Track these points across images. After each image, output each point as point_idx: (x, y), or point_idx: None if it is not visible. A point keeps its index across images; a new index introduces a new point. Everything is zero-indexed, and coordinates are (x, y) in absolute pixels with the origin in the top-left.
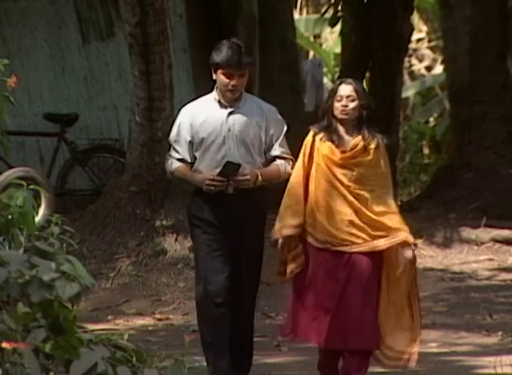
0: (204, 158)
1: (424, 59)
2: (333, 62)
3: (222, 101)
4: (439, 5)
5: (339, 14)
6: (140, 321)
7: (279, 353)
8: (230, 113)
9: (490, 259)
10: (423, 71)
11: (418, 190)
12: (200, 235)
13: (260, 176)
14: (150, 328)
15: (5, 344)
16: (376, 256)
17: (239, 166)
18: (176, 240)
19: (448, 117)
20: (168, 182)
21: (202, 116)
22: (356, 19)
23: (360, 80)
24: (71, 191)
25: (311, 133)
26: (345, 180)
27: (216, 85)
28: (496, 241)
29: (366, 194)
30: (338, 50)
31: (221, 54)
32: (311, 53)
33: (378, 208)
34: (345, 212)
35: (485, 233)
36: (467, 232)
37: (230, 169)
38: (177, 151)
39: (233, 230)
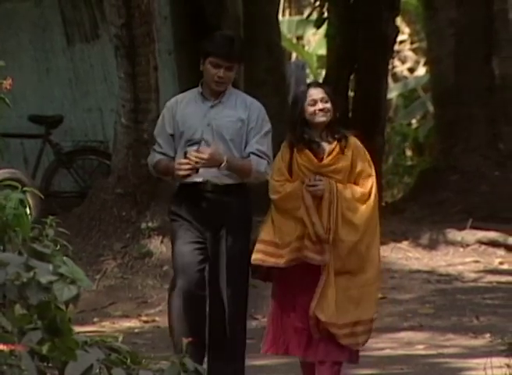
0: (182, 153)
1: (407, 61)
2: (316, 64)
3: (205, 94)
4: (423, 7)
5: (325, 15)
6: (126, 323)
7: (265, 355)
8: (212, 107)
9: (476, 261)
10: (405, 73)
11: (401, 192)
12: (177, 228)
13: (225, 162)
14: (136, 330)
15: (1, 346)
16: None
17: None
18: (161, 242)
19: (431, 119)
20: (154, 184)
21: (184, 110)
22: (341, 21)
23: (346, 82)
24: (56, 192)
25: (287, 143)
26: None
27: (202, 79)
28: (481, 242)
29: None
30: (321, 52)
31: (212, 42)
32: (294, 55)
33: None
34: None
35: (470, 235)
36: (453, 234)
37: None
38: (160, 145)
39: (213, 229)
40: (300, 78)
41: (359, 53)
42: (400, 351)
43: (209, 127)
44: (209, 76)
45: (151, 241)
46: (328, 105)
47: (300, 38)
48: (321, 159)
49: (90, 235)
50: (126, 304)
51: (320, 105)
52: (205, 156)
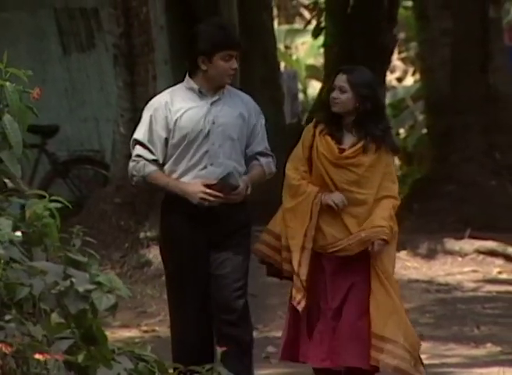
0: (183, 157)
1: (395, 71)
2: (304, 73)
3: (203, 90)
4: (415, 17)
5: (322, 25)
6: (126, 333)
7: (268, 365)
8: (212, 104)
9: (474, 271)
10: (394, 82)
11: None
12: (173, 265)
13: (249, 186)
14: (137, 340)
15: (38, 356)
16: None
17: (237, 187)
18: (160, 251)
19: (419, 128)
20: (153, 193)
21: (180, 109)
22: (339, 31)
23: None
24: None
25: (312, 123)
26: (340, 182)
27: (188, 74)
28: (480, 252)
29: (368, 199)
30: (309, 61)
31: (218, 36)
32: (282, 64)
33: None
34: (341, 218)
35: (468, 245)
36: (451, 243)
37: (229, 184)
38: (150, 152)
39: (214, 240)
40: (291, 87)
41: (357, 63)
42: None
43: (215, 126)
44: (222, 72)
45: (150, 251)
46: (343, 97)
47: (287, 47)
48: (343, 151)
49: (89, 245)
50: (125, 314)
51: (334, 94)
52: (240, 197)
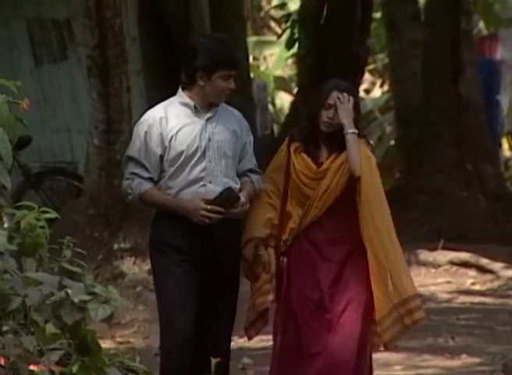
0: (179, 174)
1: (363, 82)
2: (273, 85)
3: (198, 106)
4: (385, 28)
5: (296, 36)
6: (100, 345)
7: None
8: (208, 120)
9: (448, 282)
10: (362, 94)
11: None
12: (166, 265)
13: (247, 202)
14: (112, 352)
15: (33, 367)
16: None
17: (238, 198)
18: (134, 263)
19: (387, 140)
20: (127, 205)
21: (175, 125)
22: (312, 42)
23: None
24: None
25: (285, 142)
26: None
27: (181, 88)
28: (453, 263)
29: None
30: (277, 72)
31: (220, 54)
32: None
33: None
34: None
35: (442, 256)
36: (425, 255)
37: (229, 198)
38: (146, 169)
39: (208, 259)
40: (262, 99)
41: (330, 74)
42: (379, 372)
43: (211, 143)
44: (219, 90)
45: (124, 262)
46: (337, 117)
47: (255, 59)
48: (320, 164)
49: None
50: (99, 325)
51: (330, 114)
52: (241, 211)
